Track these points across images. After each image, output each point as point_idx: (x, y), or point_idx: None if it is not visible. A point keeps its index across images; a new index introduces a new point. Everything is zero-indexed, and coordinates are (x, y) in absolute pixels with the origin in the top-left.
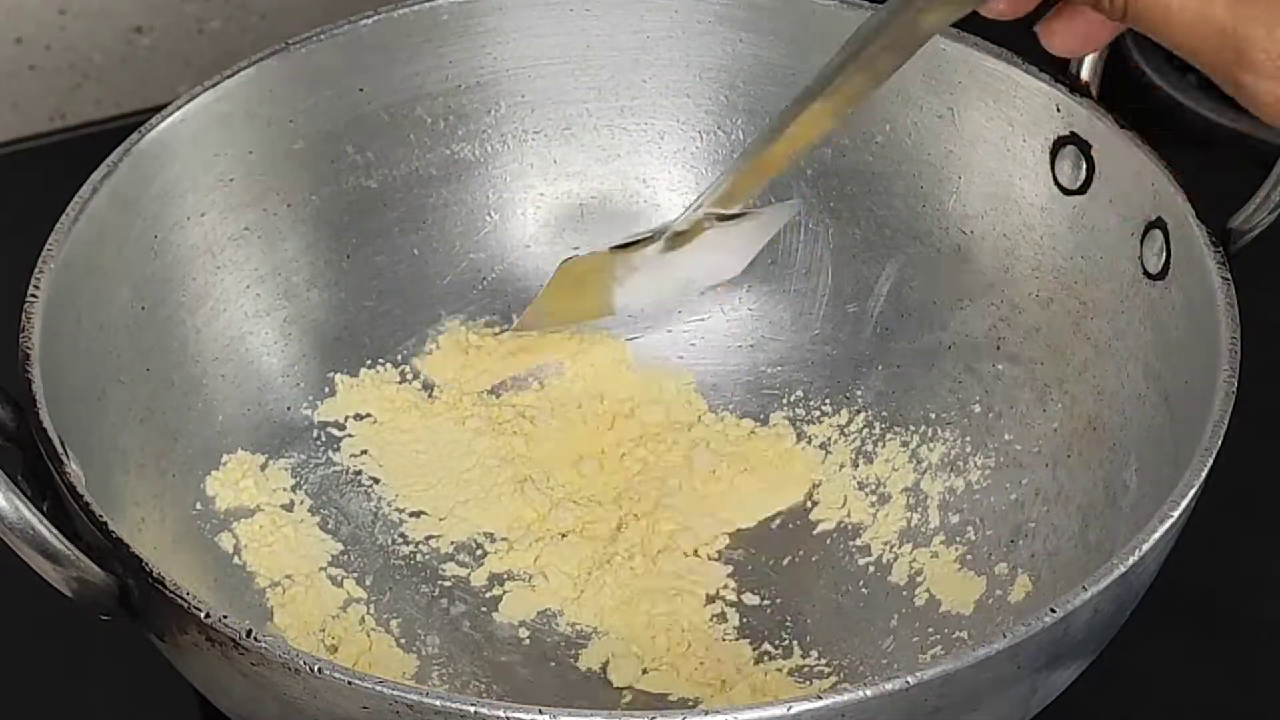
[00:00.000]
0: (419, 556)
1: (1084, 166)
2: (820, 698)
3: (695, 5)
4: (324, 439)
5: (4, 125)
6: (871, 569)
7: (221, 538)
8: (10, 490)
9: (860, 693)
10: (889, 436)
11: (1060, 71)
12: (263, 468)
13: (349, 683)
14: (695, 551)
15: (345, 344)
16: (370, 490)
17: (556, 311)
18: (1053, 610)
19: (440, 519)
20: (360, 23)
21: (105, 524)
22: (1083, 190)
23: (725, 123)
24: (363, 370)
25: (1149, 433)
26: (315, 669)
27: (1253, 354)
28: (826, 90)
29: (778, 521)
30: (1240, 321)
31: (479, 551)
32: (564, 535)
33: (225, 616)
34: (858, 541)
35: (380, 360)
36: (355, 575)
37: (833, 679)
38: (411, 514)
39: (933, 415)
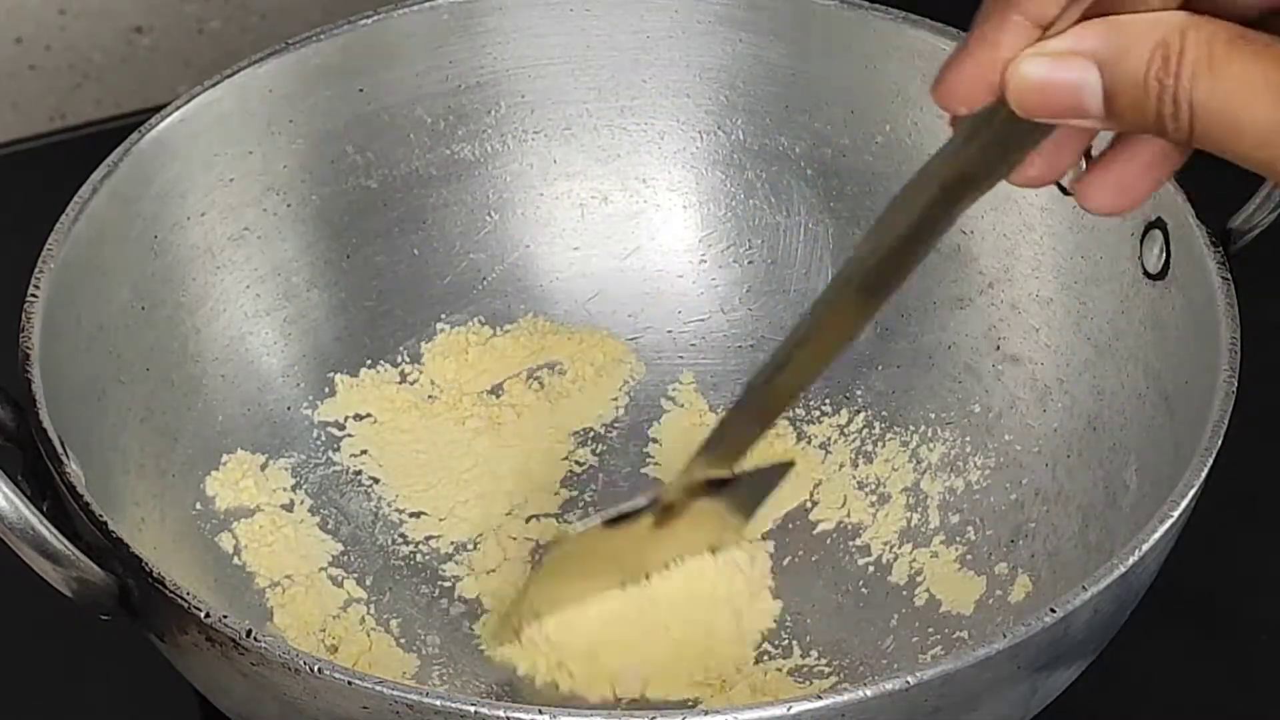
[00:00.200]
0: (419, 556)
1: (1084, 167)
2: (820, 698)
3: (695, 5)
4: (324, 439)
5: (4, 125)
6: (871, 569)
7: (221, 538)
8: (10, 490)
9: (860, 693)
10: (889, 436)
11: None
12: (263, 468)
13: (349, 683)
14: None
15: (345, 344)
16: (370, 490)
17: (552, 599)
18: (1053, 610)
19: (440, 519)
20: (360, 23)
21: (105, 524)
22: None
23: (725, 123)
24: (363, 370)
25: (1149, 433)
26: (315, 669)
27: (1253, 354)
28: (830, 316)
29: (777, 522)
30: (1240, 321)
31: (479, 551)
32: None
33: (225, 616)
34: (858, 541)
35: (380, 360)
36: (355, 575)
37: (833, 679)
38: (411, 514)
39: (933, 415)
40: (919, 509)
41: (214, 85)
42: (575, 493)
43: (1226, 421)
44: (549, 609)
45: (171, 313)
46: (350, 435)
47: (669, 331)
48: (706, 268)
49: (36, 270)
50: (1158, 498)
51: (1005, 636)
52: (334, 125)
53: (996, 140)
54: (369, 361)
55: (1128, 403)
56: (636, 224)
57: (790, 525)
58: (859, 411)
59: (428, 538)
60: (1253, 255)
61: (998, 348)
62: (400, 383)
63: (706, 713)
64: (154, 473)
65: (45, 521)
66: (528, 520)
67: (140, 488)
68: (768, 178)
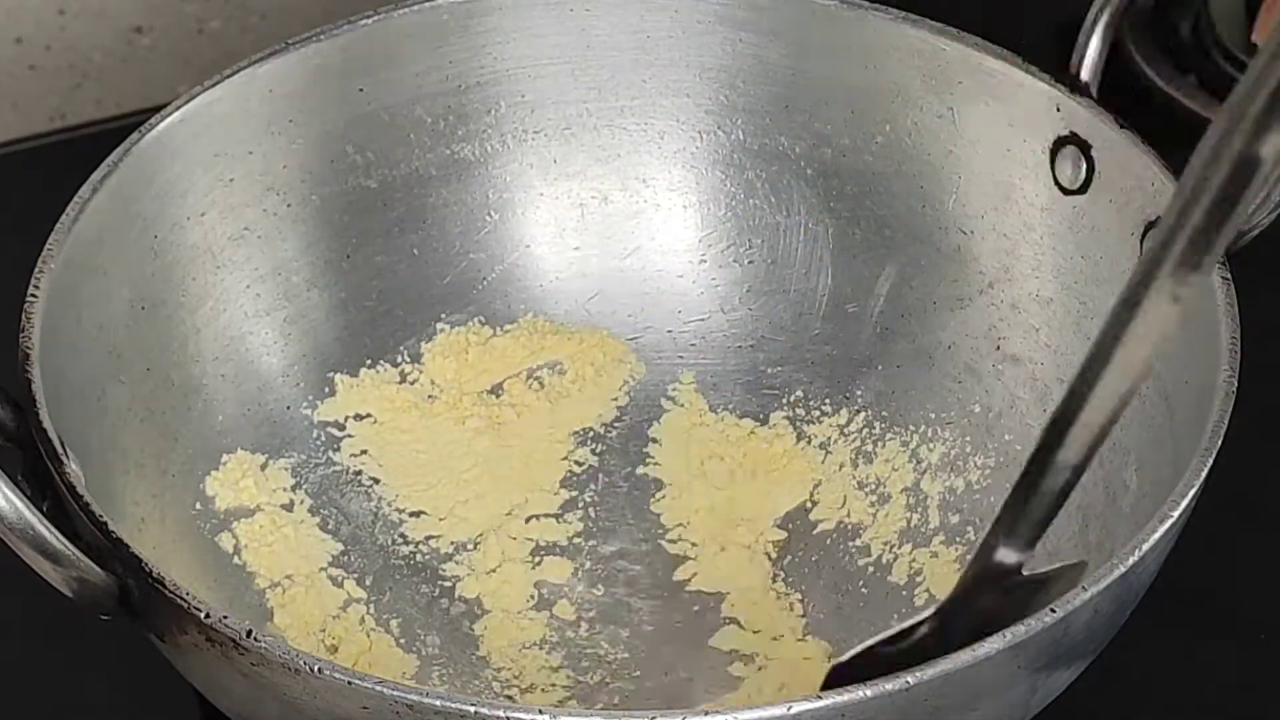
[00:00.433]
0: (419, 556)
1: (1084, 166)
2: (820, 698)
3: (695, 5)
4: (324, 439)
5: (4, 125)
6: (871, 569)
7: (221, 538)
8: (10, 490)
9: (860, 693)
10: (889, 436)
11: (1060, 71)
12: (263, 468)
13: (349, 683)
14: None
15: (345, 344)
16: (370, 490)
17: None
18: (1053, 610)
19: (440, 519)
20: (360, 23)
21: (105, 524)
22: (1083, 190)
23: (725, 123)
24: (363, 370)
25: (1149, 433)
26: (315, 669)
27: (1253, 354)
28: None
29: (777, 522)
30: (1240, 321)
31: (479, 551)
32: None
33: (225, 616)
34: (858, 541)
35: (380, 360)
36: (355, 575)
37: None
38: (411, 514)
39: (933, 415)
40: (919, 509)
41: (214, 85)
42: (575, 493)
43: (1226, 421)
44: None
45: (171, 313)
46: (350, 435)
47: (669, 331)
48: (706, 268)
49: (36, 270)
50: (1158, 498)
51: (1005, 636)
52: (334, 125)
53: None
54: (369, 361)
55: None
56: (636, 224)
57: (790, 525)
58: (859, 411)
59: (428, 538)
60: (1253, 255)
61: (998, 348)
62: (400, 383)
63: (706, 713)
64: (154, 473)
65: (45, 521)
66: (528, 520)
67: (140, 488)
68: (768, 178)
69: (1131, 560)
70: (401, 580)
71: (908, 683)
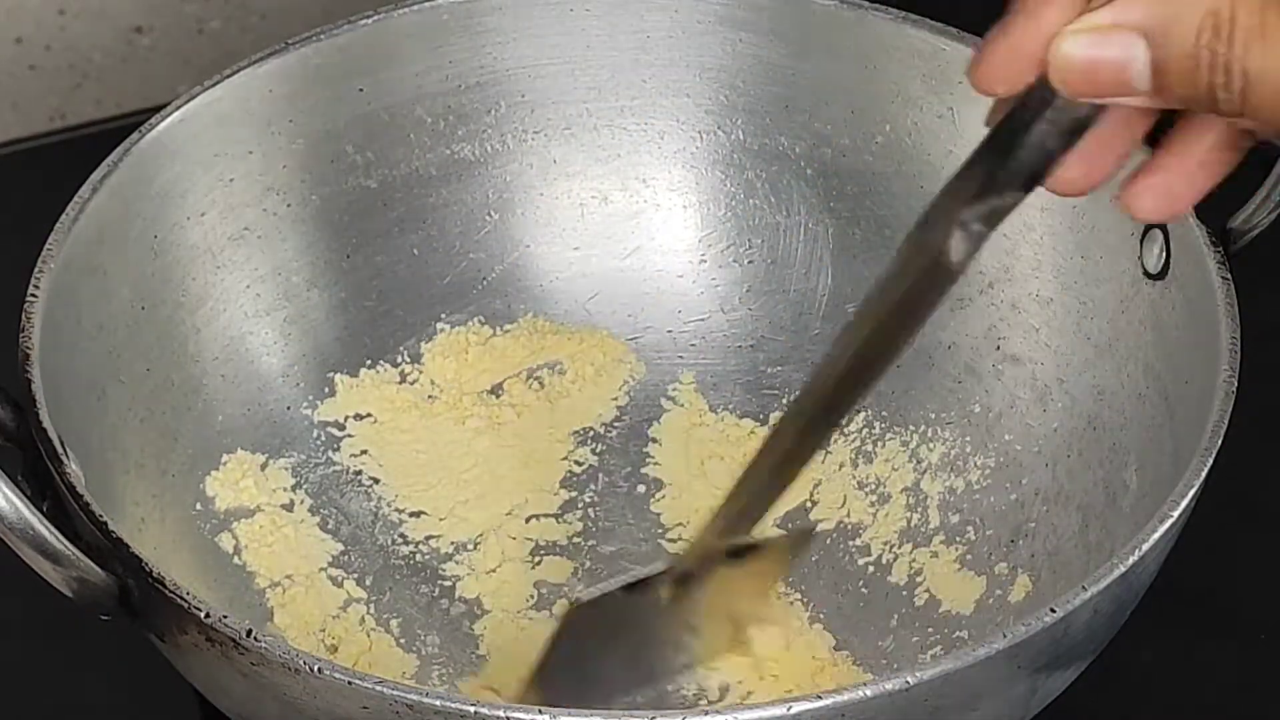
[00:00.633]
0: (419, 556)
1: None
2: (820, 698)
3: (695, 5)
4: (324, 439)
5: (4, 125)
6: (871, 569)
7: (221, 538)
8: (10, 490)
9: (860, 692)
10: (889, 436)
11: None
12: (263, 468)
13: (349, 683)
14: None
15: (345, 344)
16: (370, 490)
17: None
18: (1053, 610)
19: (440, 519)
20: (360, 23)
21: (105, 524)
22: None
23: (725, 123)
24: (363, 370)
25: (1149, 433)
26: (315, 669)
27: (1253, 354)
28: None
29: (778, 521)
30: (1240, 321)
31: (479, 551)
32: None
33: (225, 616)
34: (858, 541)
35: (380, 360)
36: (355, 575)
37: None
38: (411, 514)
39: (933, 415)
40: (919, 509)
41: (214, 85)
42: (575, 493)
43: (1226, 421)
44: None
45: (171, 313)
46: (350, 435)
47: (669, 331)
48: (706, 268)
49: (36, 270)
50: (1158, 498)
51: (1005, 636)
52: (334, 125)
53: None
54: (369, 361)
55: (1128, 403)
56: (636, 224)
57: (790, 525)
58: (859, 411)
59: (428, 538)
60: (1253, 255)
61: (998, 348)
62: (400, 383)
63: (706, 713)
64: (154, 473)
65: (45, 521)
66: (528, 520)
67: (140, 488)
68: (768, 178)
69: (1131, 560)
70: (401, 580)
71: (908, 683)
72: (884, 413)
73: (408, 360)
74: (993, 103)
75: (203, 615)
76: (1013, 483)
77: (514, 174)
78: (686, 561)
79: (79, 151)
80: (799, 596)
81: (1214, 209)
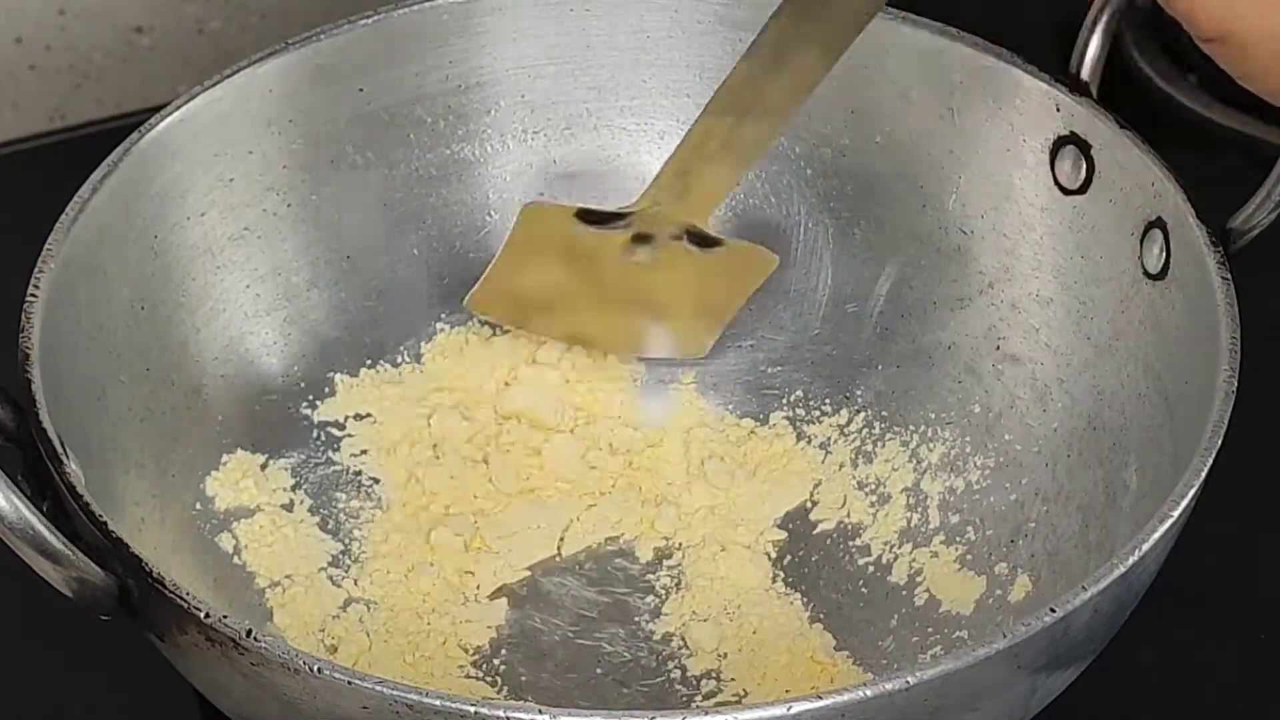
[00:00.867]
0: None
1: (1084, 166)
2: (820, 697)
3: (695, 5)
4: (324, 439)
5: (4, 125)
6: (871, 569)
7: (221, 538)
8: (10, 490)
9: (860, 692)
10: (889, 436)
11: (1060, 71)
12: (263, 468)
13: (349, 683)
14: None
15: (345, 344)
16: (370, 490)
17: (517, 293)
18: (1053, 610)
19: None
20: (360, 23)
21: (105, 524)
22: (1083, 190)
23: None
24: (363, 370)
25: (1149, 433)
26: (315, 669)
27: (1253, 354)
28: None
29: (778, 521)
30: (1240, 321)
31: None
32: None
33: (225, 616)
34: (858, 541)
35: (380, 360)
36: (355, 575)
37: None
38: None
39: (933, 415)
40: (919, 509)
41: (214, 85)
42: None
43: (1226, 421)
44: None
45: (171, 313)
46: (350, 435)
47: None
48: None
49: (36, 270)
50: (1158, 498)
51: (1005, 636)
52: (334, 125)
53: None
54: (369, 361)
55: (1128, 403)
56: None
57: (790, 525)
58: (859, 411)
59: None
60: (1253, 255)
61: (998, 348)
62: (400, 383)
63: (706, 712)
64: (154, 473)
65: (45, 521)
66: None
67: (140, 488)
68: (768, 178)
69: (1131, 560)
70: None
71: (908, 683)
72: (884, 413)
73: (408, 360)
74: None
75: (203, 615)
76: (1013, 483)
77: (514, 174)
78: (643, 220)
79: (79, 151)
80: (799, 596)
81: (1214, 209)
